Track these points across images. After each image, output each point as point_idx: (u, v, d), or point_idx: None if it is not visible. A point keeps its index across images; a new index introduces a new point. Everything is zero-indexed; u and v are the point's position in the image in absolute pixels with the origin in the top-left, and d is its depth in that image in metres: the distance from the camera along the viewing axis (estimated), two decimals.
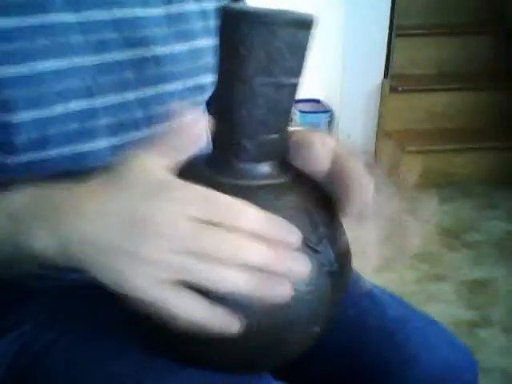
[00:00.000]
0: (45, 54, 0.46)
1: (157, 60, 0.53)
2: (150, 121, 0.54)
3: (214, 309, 0.35)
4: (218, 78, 0.42)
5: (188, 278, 0.34)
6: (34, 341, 0.51)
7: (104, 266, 0.36)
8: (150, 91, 0.54)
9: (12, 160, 0.48)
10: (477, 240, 2.02)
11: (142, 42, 0.52)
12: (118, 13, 0.50)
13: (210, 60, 0.59)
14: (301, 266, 0.35)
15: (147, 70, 0.53)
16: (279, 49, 0.39)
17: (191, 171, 0.45)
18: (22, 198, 0.40)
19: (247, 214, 0.35)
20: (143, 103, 0.53)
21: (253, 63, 0.39)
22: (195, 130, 0.39)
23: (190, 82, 0.57)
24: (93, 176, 0.38)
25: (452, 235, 2.05)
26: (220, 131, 0.43)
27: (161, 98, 0.55)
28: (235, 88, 0.40)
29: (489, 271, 1.84)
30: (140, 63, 0.52)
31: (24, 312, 0.54)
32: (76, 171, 0.50)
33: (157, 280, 0.34)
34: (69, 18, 0.47)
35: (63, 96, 0.48)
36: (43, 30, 0.45)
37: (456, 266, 1.87)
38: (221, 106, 0.43)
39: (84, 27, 0.48)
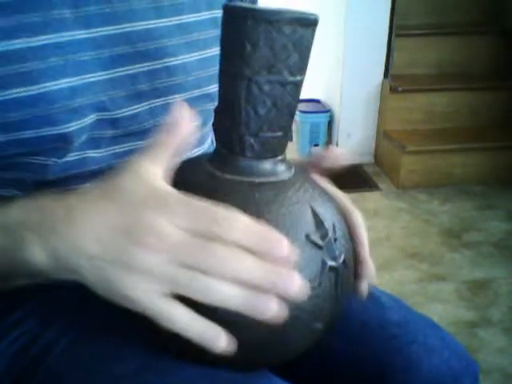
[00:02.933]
0: (58, 72, 0.46)
1: (168, 71, 0.53)
2: (157, 130, 0.54)
3: (203, 324, 0.35)
4: (222, 75, 0.42)
5: (178, 289, 0.34)
6: (34, 340, 0.51)
7: (96, 277, 0.36)
8: (160, 101, 0.54)
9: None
10: (477, 240, 2.02)
11: (154, 54, 0.52)
12: (129, 26, 0.50)
13: None
14: (293, 283, 0.34)
15: (159, 82, 0.53)
16: (284, 46, 0.39)
17: (194, 168, 0.45)
18: (16, 210, 0.40)
19: (239, 225, 0.35)
20: (153, 113, 0.53)
21: (257, 60, 0.39)
22: (184, 129, 0.39)
23: (200, 91, 0.57)
24: (87, 187, 0.39)
25: (452, 235, 2.05)
26: (223, 128, 0.43)
27: (170, 107, 0.55)
28: (239, 85, 0.40)
29: (489, 271, 1.84)
30: (152, 75, 0.52)
31: (25, 311, 0.54)
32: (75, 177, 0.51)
33: (148, 291, 0.34)
34: (80, 35, 0.47)
35: (78, 113, 0.48)
36: (55, 49, 0.45)
37: (456, 265, 1.87)
38: (224, 102, 0.43)
39: (95, 43, 0.48)
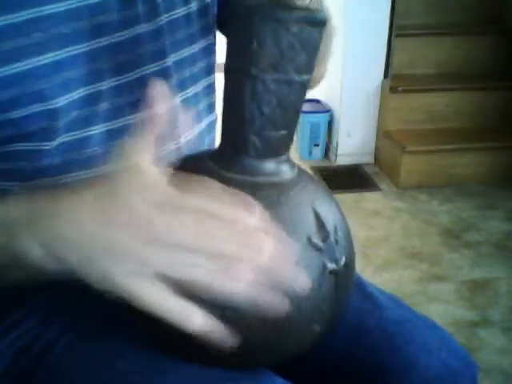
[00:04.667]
0: (42, 47, 0.46)
1: (151, 35, 0.52)
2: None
3: (176, 303, 0.35)
4: (228, 73, 0.42)
5: (155, 269, 0.34)
6: (35, 340, 0.51)
7: (81, 264, 0.36)
8: (147, 69, 0.53)
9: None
10: (477, 240, 2.02)
11: (136, 19, 0.51)
12: None
13: (206, 22, 0.58)
14: (262, 249, 0.34)
15: (143, 48, 0.52)
16: (291, 45, 0.39)
17: (195, 165, 0.45)
18: (10, 205, 0.41)
19: (203, 192, 0.35)
20: (141, 82, 0.52)
21: (264, 59, 0.39)
22: (162, 110, 0.39)
23: (186, 52, 0.56)
24: (83, 181, 0.39)
25: (452, 235, 2.05)
26: (228, 126, 0.43)
27: (159, 75, 0.54)
28: (245, 83, 0.40)
29: (489, 271, 1.84)
30: (135, 42, 0.51)
31: (25, 311, 0.54)
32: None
33: (125, 272, 0.35)
34: (59, 7, 0.46)
35: (64, 87, 0.47)
36: (37, 23, 0.45)
37: (456, 265, 1.87)
38: (229, 100, 0.43)
39: (76, 15, 0.47)
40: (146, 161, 0.38)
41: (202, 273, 0.34)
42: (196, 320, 0.35)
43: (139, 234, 0.35)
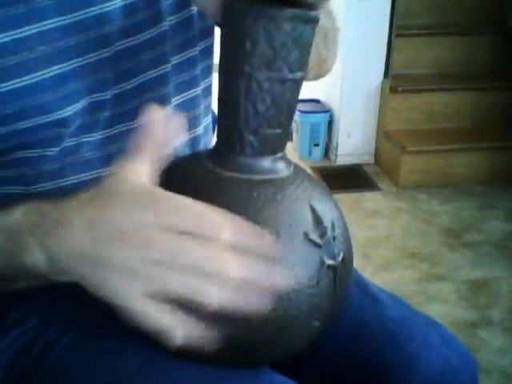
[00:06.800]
0: (47, 61, 0.46)
1: (154, 41, 0.53)
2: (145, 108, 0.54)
3: (192, 325, 0.35)
4: (222, 72, 0.42)
5: (167, 290, 0.35)
6: (35, 340, 0.51)
7: (85, 277, 0.37)
8: (148, 75, 0.53)
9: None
10: (477, 240, 2.02)
11: (139, 27, 0.51)
12: (111, 5, 0.49)
13: (205, 23, 0.58)
14: (279, 280, 0.35)
15: (146, 54, 0.53)
16: (284, 43, 0.39)
17: (193, 164, 0.46)
18: (17, 214, 0.41)
19: (227, 225, 0.35)
20: (143, 89, 0.53)
21: (257, 57, 0.39)
22: (167, 131, 0.39)
23: (187, 55, 0.57)
24: (81, 190, 0.40)
25: (452, 235, 2.05)
26: (223, 125, 0.44)
27: (158, 81, 0.55)
28: (239, 82, 0.40)
29: (489, 271, 1.84)
30: (138, 49, 0.52)
31: (25, 311, 0.54)
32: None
33: (138, 292, 0.35)
34: (64, 20, 0.47)
35: (69, 98, 0.48)
36: (42, 38, 0.45)
37: (456, 266, 1.87)
38: (224, 99, 0.43)
39: (81, 27, 0.47)
40: (143, 175, 0.38)
41: (185, 288, 0.35)
42: (180, 335, 0.35)
43: (140, 252, 0.35)
